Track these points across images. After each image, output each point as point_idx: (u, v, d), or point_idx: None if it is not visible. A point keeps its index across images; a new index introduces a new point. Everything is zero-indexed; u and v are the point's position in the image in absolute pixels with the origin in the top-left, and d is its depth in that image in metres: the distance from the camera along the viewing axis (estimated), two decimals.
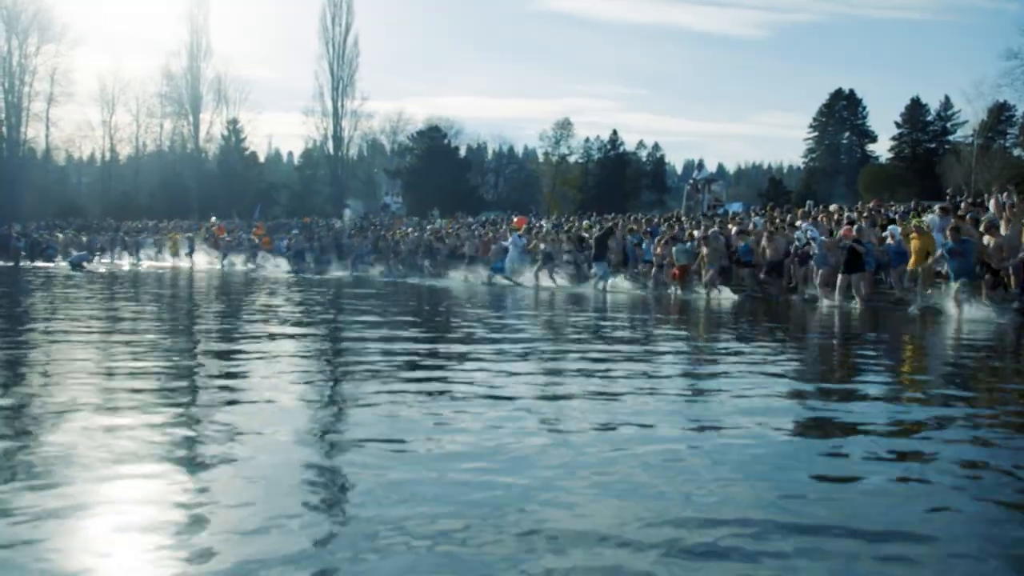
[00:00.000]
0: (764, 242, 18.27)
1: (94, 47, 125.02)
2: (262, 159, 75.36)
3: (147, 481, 3.66)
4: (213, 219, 45.78)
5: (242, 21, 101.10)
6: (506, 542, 2.96)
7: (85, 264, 32.40)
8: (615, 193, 62.96)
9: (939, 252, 13.91)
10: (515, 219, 37.70)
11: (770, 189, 62.27)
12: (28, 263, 36.38)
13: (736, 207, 41.49)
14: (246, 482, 3.68)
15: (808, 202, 32.54)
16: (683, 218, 30.66)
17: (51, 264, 35.55)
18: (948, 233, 13.84)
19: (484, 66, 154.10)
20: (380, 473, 3.83)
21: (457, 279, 25.27)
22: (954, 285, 13.09)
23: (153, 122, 69.56)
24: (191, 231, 42.81)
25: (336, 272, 30.21)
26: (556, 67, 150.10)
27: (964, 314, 12.71)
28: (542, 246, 23.43)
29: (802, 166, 69.88)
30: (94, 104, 68.82)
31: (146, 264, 37.54)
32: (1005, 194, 24.07)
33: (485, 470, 3.88)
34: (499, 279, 23.48)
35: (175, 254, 37.99)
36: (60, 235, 44.25)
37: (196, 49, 65.30)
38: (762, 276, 18.19)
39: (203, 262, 36.18)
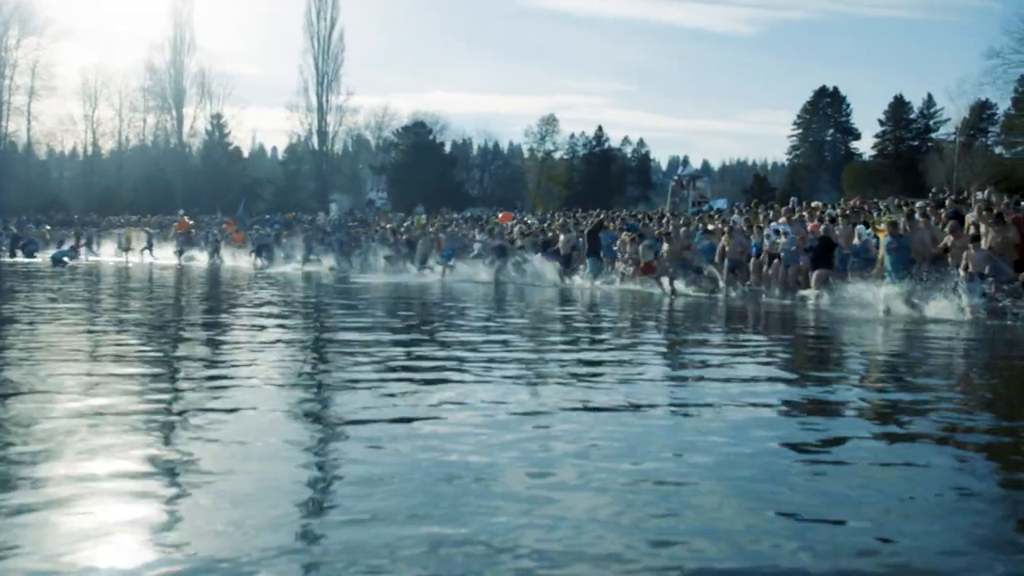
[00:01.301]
0: (724, 240, 18.10)
1: (77, 41, 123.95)
2: (246, 154, 74.92)
3: (128, 480, 3.65)
4: (180, 213, 45.22)
5: (226, 15, 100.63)
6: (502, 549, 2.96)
7: (67, 260, 32.10)
8: (600, 189, 62.97)
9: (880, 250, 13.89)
10: (500, 215, 37.77)
11: (755, 186, 62.49)
12: (9, 258, 35.96)
13: (721, 204, 41.67)
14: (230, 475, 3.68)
15: (792, 199, 32.67)
16: (667, 214, 30.74)
17: (34, 259, 35.13)
18: (886, 228, 13.90)
19: (472, 62, 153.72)
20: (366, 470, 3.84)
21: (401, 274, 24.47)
22: (887, 286, 13.03)
23: (136, 117, 69.09)
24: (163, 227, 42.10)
25: (299, 266, 29.60)
26: (545, 63, 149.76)
27: (919, 311, 12.54)
28: (496, 243, 23.40)
29: (786, 163, 70.13)
30: (76, 98, 68.35)
31: (90, 259, 36.32)
32: (986, 192, 24.25)
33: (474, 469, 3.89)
34: (435, 270, 23.17)
35: (127, 249, 36.98)
36: (15, 230, 42.96)
37: (180, 43, 64.94)
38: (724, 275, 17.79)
39: (163, 257, 35.16)
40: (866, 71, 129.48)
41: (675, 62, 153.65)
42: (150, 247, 36.29)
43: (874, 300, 13.11)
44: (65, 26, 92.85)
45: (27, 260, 34.92)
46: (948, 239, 13.61)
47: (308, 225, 39.10)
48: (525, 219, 35.41)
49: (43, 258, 34.69)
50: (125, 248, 37.16)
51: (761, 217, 22.36)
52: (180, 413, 5.07)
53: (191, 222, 40.88)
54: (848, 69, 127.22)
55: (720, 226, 20.50)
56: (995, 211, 14.01)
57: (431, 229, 31.17)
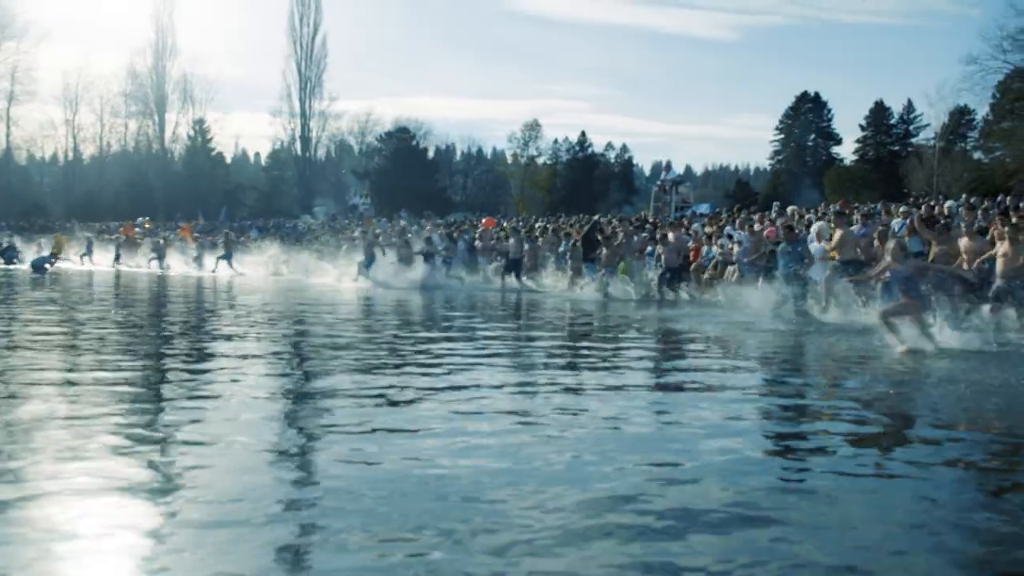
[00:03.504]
0: (659, 247, 18.02)
1: (58, 45, 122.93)
2: (229, 160, 74.67)
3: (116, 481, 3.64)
4: (139, 220, 44.91)
5: (209, 20, 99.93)
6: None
7: (47, 266, 31.78)
8: (583, 194, 63.13)
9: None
10: (483, 220, 37.75)
11: (737, 191, 62.73)
12: None
13: (703, 208, 41.80)
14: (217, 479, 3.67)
15: (775, 204, 32.79)
16: (650, 220, 30.81)
17: (12, 266, 34.68)
18: (782, 232, 14.17)
19: (456, 67, 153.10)
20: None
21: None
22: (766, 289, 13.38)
23: (117, 122, 68.75)
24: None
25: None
26: (529, 68, 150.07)
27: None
28: (420, 248, 23.31)
29: (769, 168, 70.52)
30: (56, 103, 67.86)
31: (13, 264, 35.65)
32: (963, 198, 24.48)
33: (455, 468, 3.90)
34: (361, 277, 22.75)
35: (57, 255, 36.31)
36: None
37: (161, 48, 64.72)
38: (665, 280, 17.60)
39: (103, 263, 34.70)
40: (847, 76, 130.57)
41: (658, 67, 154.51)
42: (89, 252, 35.83)
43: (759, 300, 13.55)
44: (45, 30, 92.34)
45: (6, 267, 34.47)
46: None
47: (230, 233, 39.16)
48: (504, 224, 35.34)
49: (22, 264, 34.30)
50: (56, 254, 36.41)
51: (739, 223, 22.23)
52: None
53: (141, 227, 40.62)
54: (829, 74, 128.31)
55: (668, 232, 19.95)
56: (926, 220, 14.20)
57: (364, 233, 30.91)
